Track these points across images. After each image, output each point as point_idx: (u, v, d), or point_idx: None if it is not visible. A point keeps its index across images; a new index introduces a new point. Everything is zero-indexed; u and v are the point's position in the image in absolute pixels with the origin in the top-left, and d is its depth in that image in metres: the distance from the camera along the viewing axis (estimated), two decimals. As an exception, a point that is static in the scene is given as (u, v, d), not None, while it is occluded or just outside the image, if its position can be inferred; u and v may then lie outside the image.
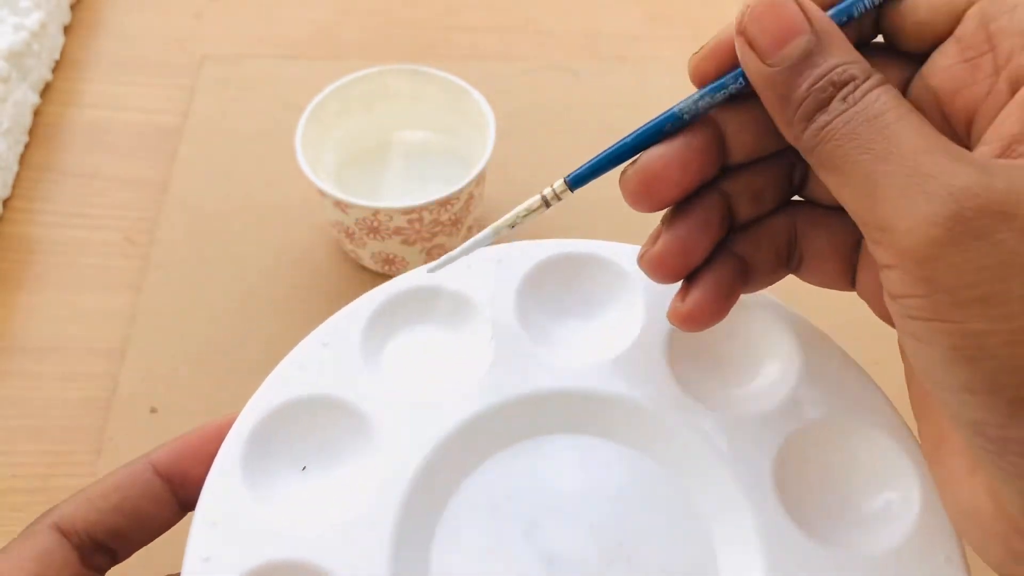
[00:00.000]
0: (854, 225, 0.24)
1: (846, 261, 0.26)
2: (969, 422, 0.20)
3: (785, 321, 0.30)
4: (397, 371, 0.30)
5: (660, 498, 0.28)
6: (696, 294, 0.26)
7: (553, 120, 0.54)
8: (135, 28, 0.58)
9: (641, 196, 0.25)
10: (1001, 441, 0.20)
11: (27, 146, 0.52)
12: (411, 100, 0.47)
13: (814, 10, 0.22)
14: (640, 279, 0.30)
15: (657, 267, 0.26)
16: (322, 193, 0.42)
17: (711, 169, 0.25)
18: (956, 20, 0.22)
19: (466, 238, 0.46)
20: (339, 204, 0.41)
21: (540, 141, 0.53)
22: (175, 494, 0.27)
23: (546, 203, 0.27)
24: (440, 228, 0.43)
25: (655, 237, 0.26)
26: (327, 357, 0.30)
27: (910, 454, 0.28)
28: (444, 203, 0.41)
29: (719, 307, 0.26)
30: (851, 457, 0.28)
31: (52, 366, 0.44)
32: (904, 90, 0.23)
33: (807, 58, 0.21)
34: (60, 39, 0.56)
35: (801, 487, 0.28)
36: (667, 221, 0.26)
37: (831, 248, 0.26)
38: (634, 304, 0.31)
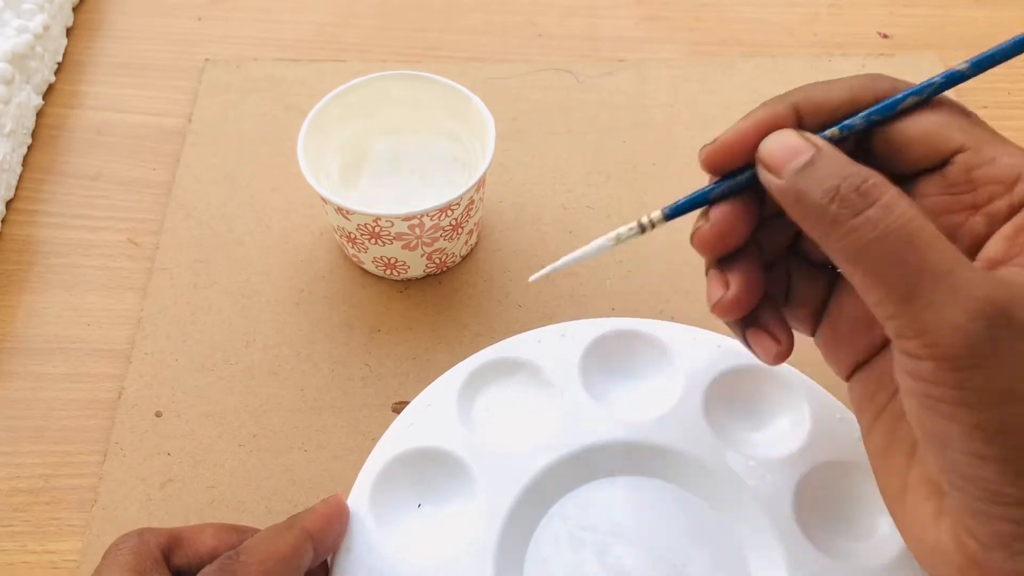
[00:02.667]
0: (828, 286, 0.30)
1: (813, 312, 0.32)
2: (971, 478, 0.24)
3: (797, 384, 0.36)
4: (487, 426, 0.37)
5: (702, 524, 0.35)
6: (778, 330, 0.31)
7: (553, 121, 0.54)
8: (137, 30, 0.58)
9: (712, 246, 0.29)
10: (997, 495, 0.24)
11: (30, 148, 0.52)
12: (412, 105, 0.47)
13: (813, 136, 0.27)
14: (679, 350, 0.38)
15: (730, 310, 0.30)
16: (324, 200, 0.42)
17: (755, 223, 0.29)
18: (942, 160, 0.27)
19: (466, 243, 0.47)
20: (341, 210, 0.42)
21: (540, 143, 0.53)
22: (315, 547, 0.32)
23: (642, 228, 0.29)
24: (441, 233, 0.43)
25: (723, 284, 0.30)
26: (431, 416, 0.36)
27: None
28: (445, 209, 0.41)
29: (788, 342, 0.31)
30: (853, 489, 0.34)
31: (55, 367, 0.44)
32: None
33: (811, 169, 0.26)
34: (63, 41, 0.57)
35: (815, 514, 0.34)
36: (728, 271, 0.30)
37: (806, 298, 0.32)
38: (675, 371, 0.37)
